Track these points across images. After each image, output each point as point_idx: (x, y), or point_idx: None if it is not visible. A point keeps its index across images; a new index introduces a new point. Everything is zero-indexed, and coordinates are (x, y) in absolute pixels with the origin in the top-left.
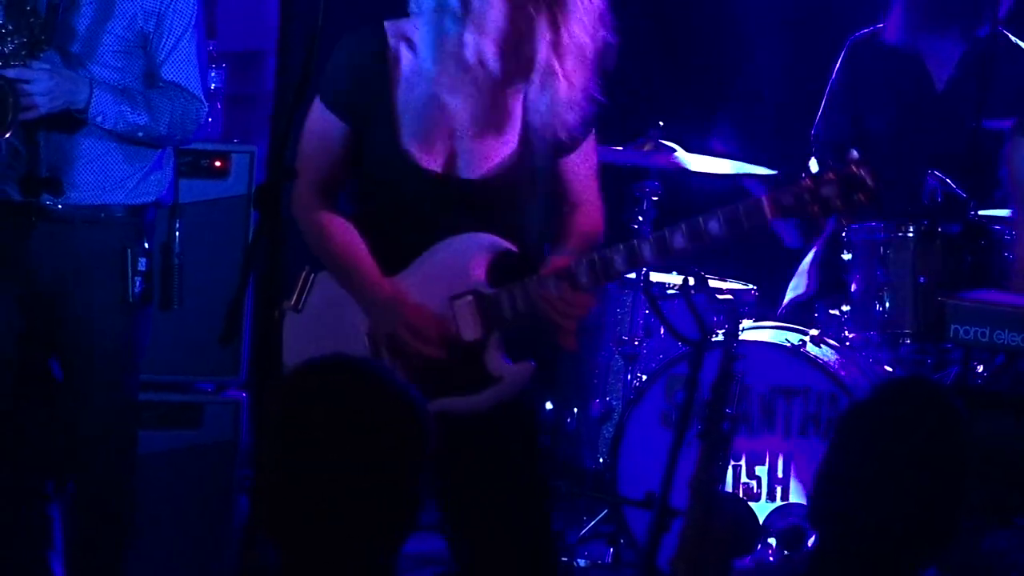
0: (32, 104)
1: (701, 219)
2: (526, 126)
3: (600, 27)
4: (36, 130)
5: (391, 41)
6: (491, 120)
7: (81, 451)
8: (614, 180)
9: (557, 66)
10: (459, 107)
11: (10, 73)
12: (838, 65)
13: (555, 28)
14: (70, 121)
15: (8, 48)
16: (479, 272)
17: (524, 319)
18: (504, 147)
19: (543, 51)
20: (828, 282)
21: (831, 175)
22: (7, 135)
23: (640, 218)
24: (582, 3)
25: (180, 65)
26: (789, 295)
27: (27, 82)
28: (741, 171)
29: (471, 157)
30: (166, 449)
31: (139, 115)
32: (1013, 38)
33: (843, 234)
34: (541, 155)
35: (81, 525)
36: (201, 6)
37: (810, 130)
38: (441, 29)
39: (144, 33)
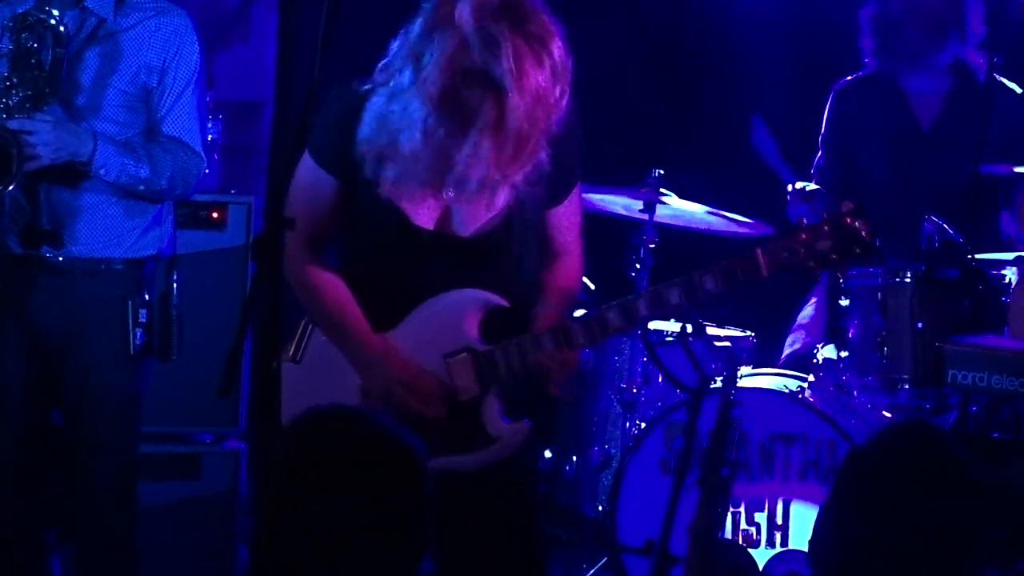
0: (35, 155)
1: (696, 274)
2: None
3: (554, 91)
4: (38, 183)
5: None
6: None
7: (82, 502)
8: (611, 228)
9: (491, 158)
10: (447, 166)
11: (13, 124)
12: (826, 113)
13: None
14: (72, 174)
15: (12, 101)
16: (472, 329)
17: (520, 375)
18: (496, 203)
19: (483, 121)
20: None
21: (826, 228)
22: (11, 187)
23: (638, 266)
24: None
25: (181, 120)
26: (787, 349)
27: (30, 133)
28: (736, 219)
29: (464, 214)
30: (166, 500)
31: (141, 168)
32: (1004, 80)
33: (840, 281)
34: (531, 209)
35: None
36: (203, 62)
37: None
38: (390, 97)
39: (147, 88)
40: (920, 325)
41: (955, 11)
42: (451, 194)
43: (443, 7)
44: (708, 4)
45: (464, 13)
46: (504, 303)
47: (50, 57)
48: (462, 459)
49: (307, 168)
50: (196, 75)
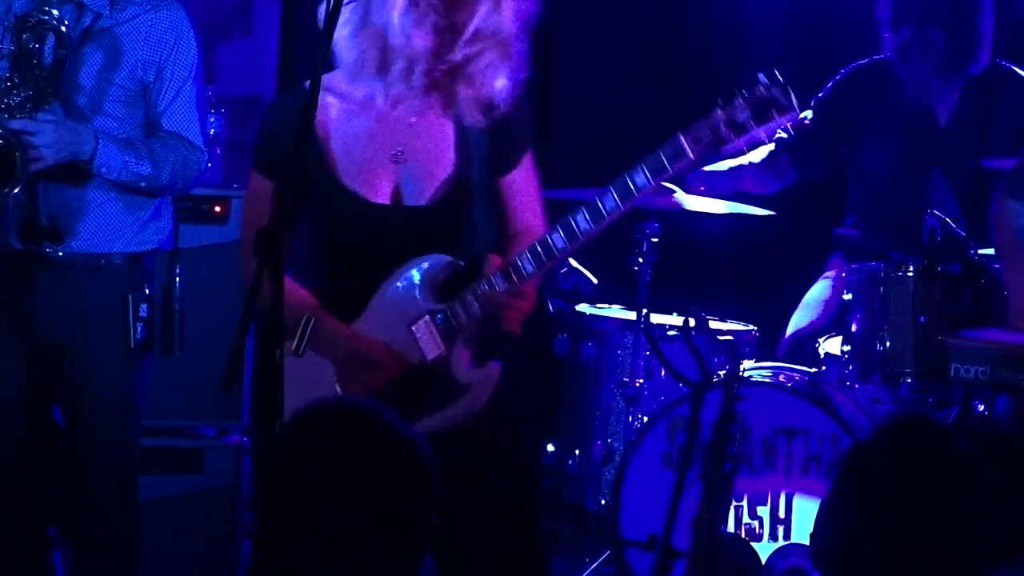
0: (39, 156)
1: (627, 176)
2: (461, 146)
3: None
4: (36, 179)
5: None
6: (426, 145)
7: (83, 496)
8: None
9: (475, 60)
10: (391, 137)
11: (15, 124)
12: (833, 85)
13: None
14: (70, 171)
15: (14, 101)
16: (426, 293)
17: (480, 321)
18: (443, 170)
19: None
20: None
21: (741, 100)
22: (16, 189)
23: (640, 260)
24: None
25: (180, 115)
26: (790, 329)
27: (32, 134)
28: (739, 211)
29: (415, 184)
30: (168, 494)
31: (143, 165)
32: (1015, 67)
33: (843, 274)
34: (479, 173)
35: (84, 571)
36: (200, 55)
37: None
38: (360, 57)
39: (144, 83)
40: (922, 319)
41: (981, 29)
42: (400, 90)
43: None
44: (711, 1)
45: None
46: (455, 260)
47: (51, 57)
48: (442, 416)
49: (253, 180)
50: (194, 69)
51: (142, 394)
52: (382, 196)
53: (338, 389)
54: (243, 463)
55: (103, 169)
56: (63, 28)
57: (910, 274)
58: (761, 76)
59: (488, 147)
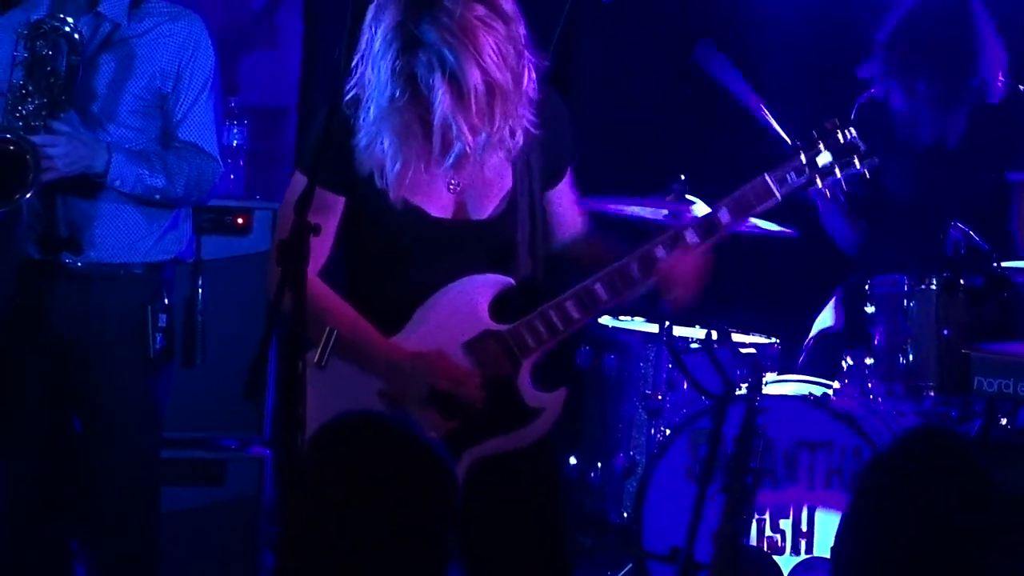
0: (51, 166)
1: (712, 211)
2: (516, 159)
3: (518, 55)
4: (54, 190)
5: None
6: (480, 170)
7: (104, 508)
8: (636, 235)
9: (461, 122)
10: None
11: (36, 139)
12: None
13: (452, 84)
14: (87, 182)
15: (28, 108)
16: (484, 312)
17: (549, 344)
18: (501, 186)
19: (441, 111)
20: (852, 323)
21: (821, 144)
22: (28, 195)
23: None
24: (486, 41)
25: (197, 125)
26: (816, 328)
27: (46, 145)
28: (761, 226)
29: (475, 201)
30: (190, 506)
31: (156, 178)
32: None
33: (865, 287)
34: (534, 187)
35: None
36: (217, 66)
37: None
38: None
39: (162, 93)
40: (945, 332)
41: (968, 47)
42: (450, 168)
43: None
44: (725, 11)
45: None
46: (509, 281)
47: (65, 64)
48: (513, 437)
49: (301, 186)
50: (211, 80)
51: (162, 405)
52: (444, 212)
53: (379, 403)
54: (265, 475)
55: (117, 182)
56: (76, 35)
57: (933, 287)
58: (834, 121)
59: (542, 160)
